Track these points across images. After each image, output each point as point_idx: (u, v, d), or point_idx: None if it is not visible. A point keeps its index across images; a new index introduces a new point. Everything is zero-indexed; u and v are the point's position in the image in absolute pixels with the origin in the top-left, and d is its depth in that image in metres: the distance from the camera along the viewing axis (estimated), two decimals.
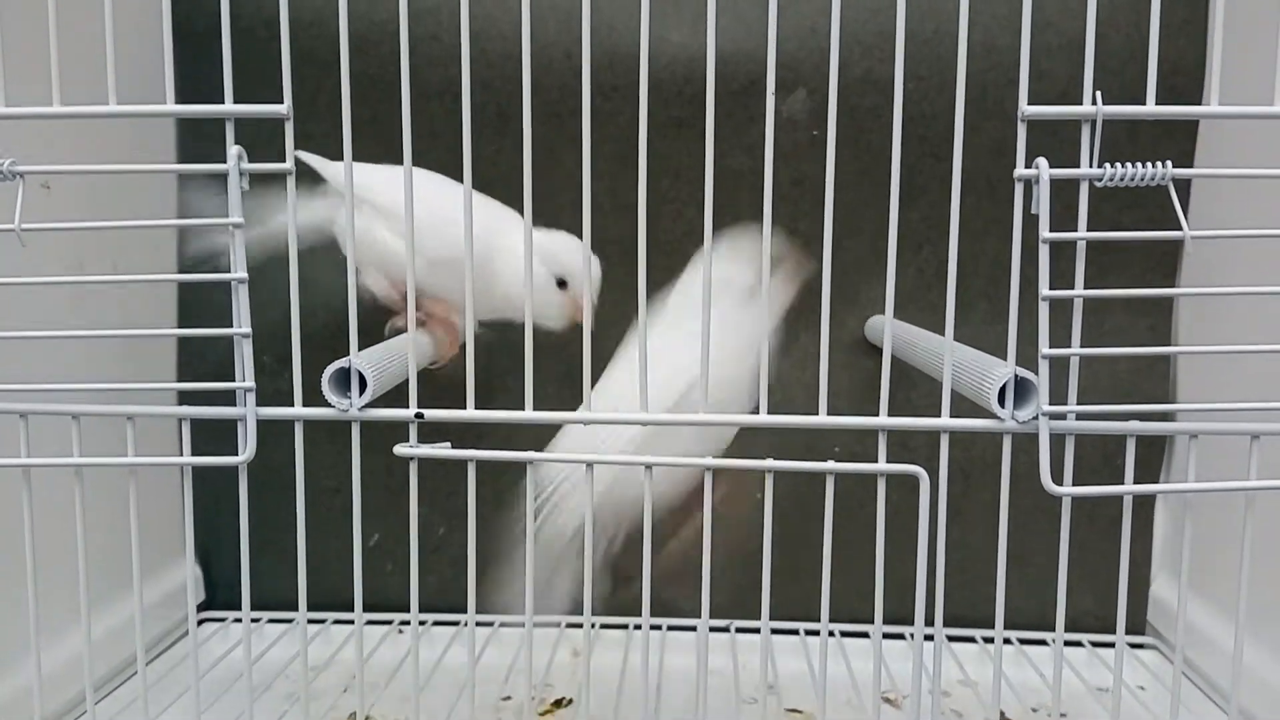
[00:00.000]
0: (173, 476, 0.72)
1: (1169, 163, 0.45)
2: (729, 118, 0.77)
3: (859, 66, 0.76)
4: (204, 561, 0.85)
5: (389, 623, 0.84)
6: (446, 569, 0.84)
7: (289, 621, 0.83)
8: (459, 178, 0.49)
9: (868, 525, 0.49)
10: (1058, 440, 0.47)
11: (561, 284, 0.66)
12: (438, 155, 0.62)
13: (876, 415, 0.48)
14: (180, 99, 0.48)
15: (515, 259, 0.63)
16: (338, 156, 0.49)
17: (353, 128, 0.48)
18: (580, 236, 0.49)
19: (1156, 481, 0.78)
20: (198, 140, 0.77)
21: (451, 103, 0.77)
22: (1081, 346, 0.46)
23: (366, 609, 0.79)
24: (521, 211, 0.48)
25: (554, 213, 0.71)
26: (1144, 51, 0.45)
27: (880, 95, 0.76)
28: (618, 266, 0.63)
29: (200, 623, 0.85)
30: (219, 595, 0.86)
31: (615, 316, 0.63)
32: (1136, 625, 0.83)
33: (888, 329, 0.48)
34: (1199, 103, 0.74)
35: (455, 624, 0.84)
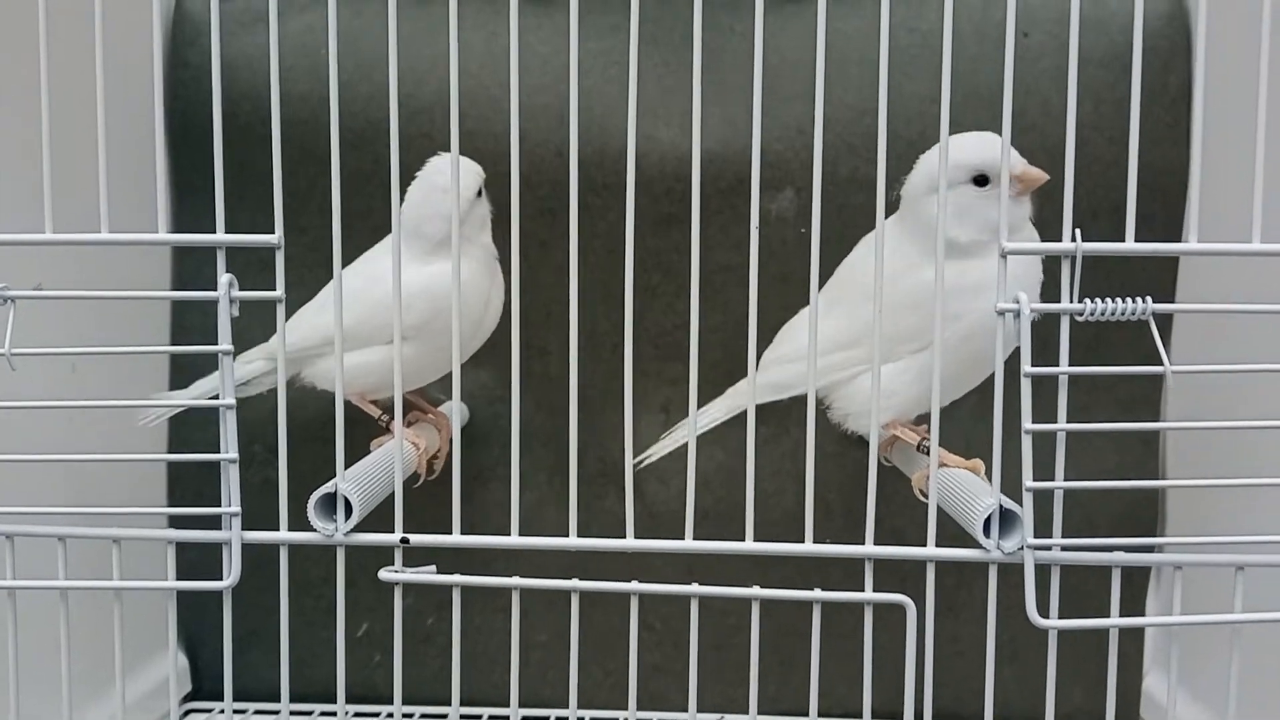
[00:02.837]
0: (161, 565, 0.72)
1: (1149, 298, 0.45)
2: (717, 214, 0.78)
3: (845, 166, 0.77)
4: (191, 651, 0.85)
5: (376, 715, 0.83)
6: (434, 660, 0.84)
7: (275, 713, 0.82)
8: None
9: (859, 616, 0.49)
10: (1042, 569, 0.47)
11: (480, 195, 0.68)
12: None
13: (865, 510, 0.48)
14: (178, 199, 0.48)
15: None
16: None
17: (352, 220, 0.49)
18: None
19: (1144, 592, 0.78)
20: (196, 250, 0.77)
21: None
22: (1067, 465, 0.46)
23: (355, 700, 0.79)
24: None
25: (546, 304, 0.72)
26: (1128, 152, 0.46)
27: (867, 195, 0.77)
28: (611, 357, 0.63)
29: (186, 714, 0.84)
30: (206, 685, 0.85)
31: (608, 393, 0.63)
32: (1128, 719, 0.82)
33: (872, 463, 0.48)
34: (1184, 204, 0.75)
35: (444, 717, 0.83)
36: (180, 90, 0.80)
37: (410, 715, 0.82)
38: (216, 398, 0.47)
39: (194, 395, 0.64)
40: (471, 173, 0.66)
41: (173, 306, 0.76)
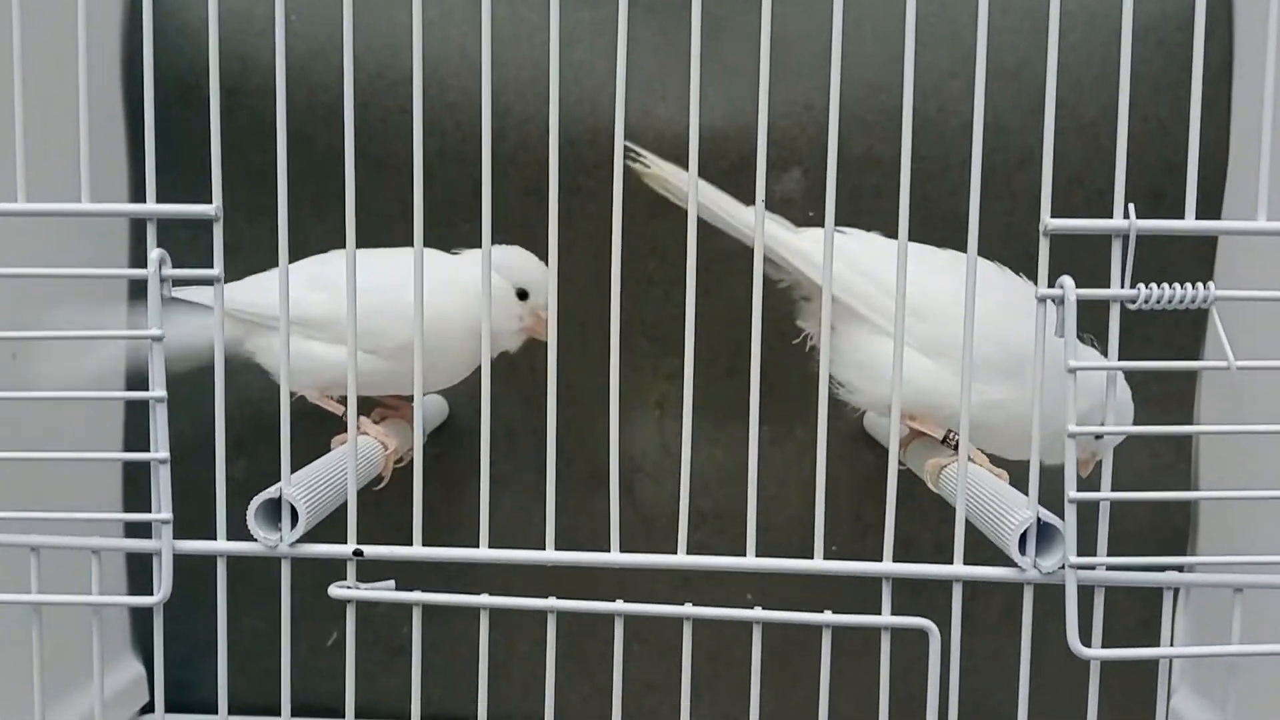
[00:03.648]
0: (118, 574, 0.67)
1: (1212, 284, 0.39)
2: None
3: (859, 144, 0.71)
4: (148, 660, 0.79)
5: None
6: (410, 671, 0.78)
7: None
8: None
9: (873, 638, 0.43)
10: (1084, 592, 0.41)
11: (521, 295, 0.60)
12: (407, 229, 0.57)
13: (874, 516, 0.43)
14: (136, 168, 0.43)
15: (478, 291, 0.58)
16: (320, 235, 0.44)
17: (321, 202, 0.43)
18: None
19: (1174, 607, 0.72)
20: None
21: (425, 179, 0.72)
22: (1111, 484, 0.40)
23: (327, 713, 0.73)
24: None
25: None
26: (1163, 139, 0.40)
27: (881, 175, 0.71)
28: (598, 349, 0.58)
29: None
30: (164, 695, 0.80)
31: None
32: None
33: (892, 467, 0.42)
34: (1222, 198, 0.69)
35: None
36: (137, 62, 0.74)
37: None
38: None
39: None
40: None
41: (130, 290, 0.71)
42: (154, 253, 0.41)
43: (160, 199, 0.42)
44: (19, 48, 0.42)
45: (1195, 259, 0.70)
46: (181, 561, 0.43)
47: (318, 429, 0.60)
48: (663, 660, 0.76)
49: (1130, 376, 0.70)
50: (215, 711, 0.74)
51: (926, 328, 0.52)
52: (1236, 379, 0.65)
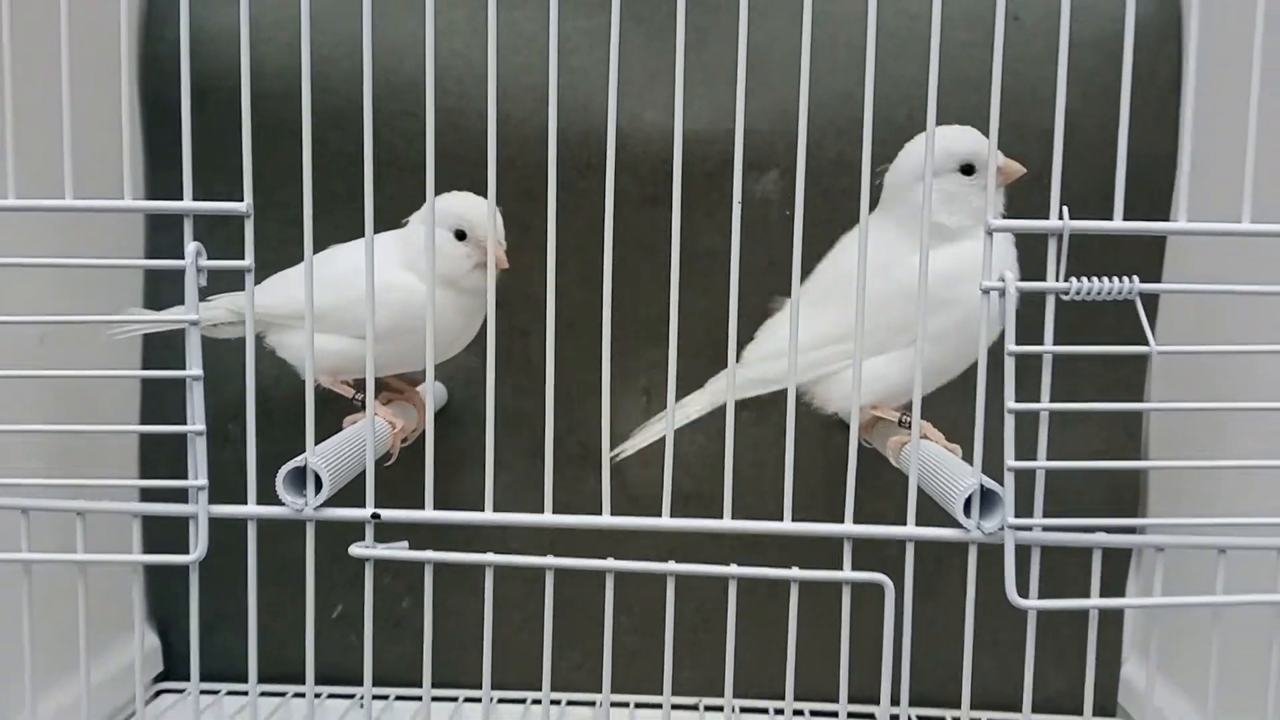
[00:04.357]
0: (129, 541, 0.71)
1: (1135, 277, 0.45)
2: (704, 196, 0.77)
3: (832, 149, 0.76)
4: (163, 631, 0.83)
5: (350, 696, 0.82)
6: (408, 642, 0.83)
7: (246, 694, 0.81)
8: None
9: (838, 600, 0.49)
10: (1023, 551, 0.46)
11: (460, 235, 0.63)
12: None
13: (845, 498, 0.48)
14: (153, 171, 0.47)
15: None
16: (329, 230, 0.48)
17: (328, 201, 0.48)
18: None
19: (1124, 578, 0.77)
20: (171, 225, 0.76)
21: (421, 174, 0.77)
22: (1049, 451, 0.46)
23: (329, 681, 0.78)
24: None
25: (526, 286, 0.71)
26: (1117, 137, 0.46)
27: (852, 178, 0.76)
28: (589, 341, 0.63)
29: (157, 694, 0.83)
30: (177, 666, 0.84)
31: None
32: (1107, 706, 0.82)
33: (853, 443, 0.47)
34: (1171, 192, 0.75)
35: (417, 698, 0.82)
36: (155, 64, 0.79)
37: (384, 697, 0.81)
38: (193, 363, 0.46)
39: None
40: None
41: (146, 281, 0.75)
42: (191, 245, 0.46)
43: (174, 195, 0.46)
44: (67, 58, 0.46)
45: (1147, 257, 0.76)
46: (184, 534, 0.48)
47: (325, 411, 0.65)
48: (648, 632, 0.81)
49: (1086, 364, 0.76)
50: (224, 680, 0.79)
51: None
52: (1177, 367, 0.71)
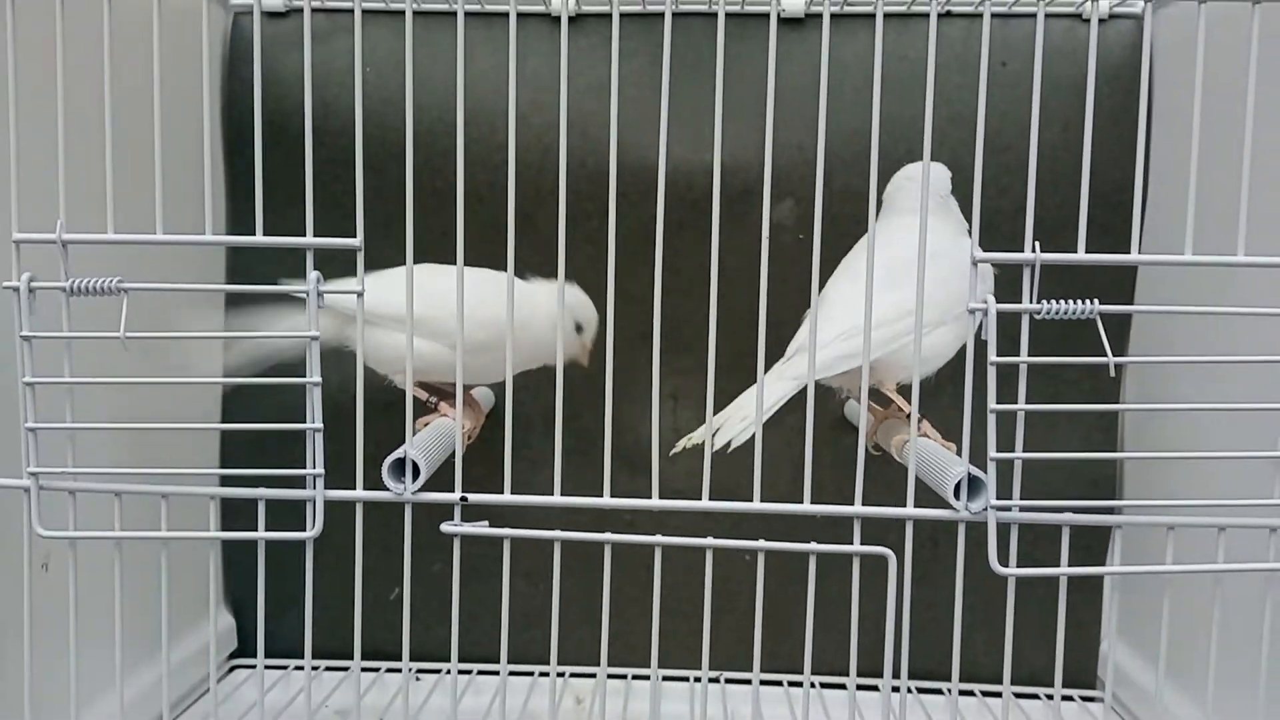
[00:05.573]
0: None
1: (1096, 300, 0.54)
2: (725, 222, 0.85)
3: (839, 180, 0.86)
4: (237, 612, 0.92)
5: (436, 671, 0.90)
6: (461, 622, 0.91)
7: (313, 669, 0.90)
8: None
9: (849, 583, 0.58)
10: (1005, 527, 0.56)
11: (578, 329, 0.75)
12: (474, 251, 0.71)
13: (853, 497, 0.57)
14: (229, 203, 0.56)
15: (543, 313, 0.71)
16: (386, 252, 0.58)
17: (390, 224, 0.57)
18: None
19: (1105, 550, 0.87)
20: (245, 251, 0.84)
21: (480, 204, 0.86)
22: (1037, 445, 0.55)
23: (384, 656, 0.86)
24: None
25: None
26: (1091, 179, 0.55)
27: (859, 205, 0.86)
28: (626, 351, 0.72)
29: (233, 669, 0.92)
30: (251, 645, 0.93)
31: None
32: (1087, 680, 0.91)
33: (862, 427, 0.57)
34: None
35: (495, 673, 0.89)
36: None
37: (467, 671, 0.89)
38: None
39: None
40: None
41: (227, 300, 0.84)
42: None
43: (249, 222, 0.56)
44: (209, 102, 0.55)
45: (1123, 279, 0.86)
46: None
47: (388, 415, 0.69)
48: (672, 611, 0.89)
49: (1072, 374, 0.85)
50: (295, 657, 0.88)
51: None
52: (1149, 377, 0.80)
